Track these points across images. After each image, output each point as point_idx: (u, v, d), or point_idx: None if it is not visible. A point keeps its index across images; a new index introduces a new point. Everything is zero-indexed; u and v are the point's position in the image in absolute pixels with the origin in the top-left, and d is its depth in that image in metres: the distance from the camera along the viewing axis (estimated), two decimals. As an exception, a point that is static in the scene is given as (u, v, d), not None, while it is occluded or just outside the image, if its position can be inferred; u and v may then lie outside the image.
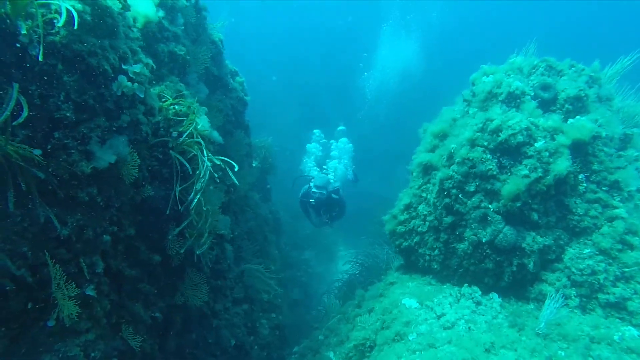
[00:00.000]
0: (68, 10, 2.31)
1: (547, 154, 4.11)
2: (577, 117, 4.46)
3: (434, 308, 4.20)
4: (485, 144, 4.32)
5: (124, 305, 3.44)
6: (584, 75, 5.16)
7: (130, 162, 2.86)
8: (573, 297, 4.07)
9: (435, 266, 4.94)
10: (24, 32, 2.18)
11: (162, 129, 3.51)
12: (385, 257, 7.85)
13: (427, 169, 5.10)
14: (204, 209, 3.60)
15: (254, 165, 10.66)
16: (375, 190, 16.35)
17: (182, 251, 3.63)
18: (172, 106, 3.62)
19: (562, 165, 3.96)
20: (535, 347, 3.53)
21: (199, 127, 3.42)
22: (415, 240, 5.19)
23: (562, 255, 4.23)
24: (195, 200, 3.31)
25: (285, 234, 12.68)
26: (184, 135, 3.43)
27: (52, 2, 2.24)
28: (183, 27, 4.16)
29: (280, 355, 7.45)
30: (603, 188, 4.25)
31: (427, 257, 5.05)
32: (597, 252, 4.05)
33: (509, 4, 28.98)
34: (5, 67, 2.31)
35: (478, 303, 4.25)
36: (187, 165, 3.32)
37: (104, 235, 2.98)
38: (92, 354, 3.00)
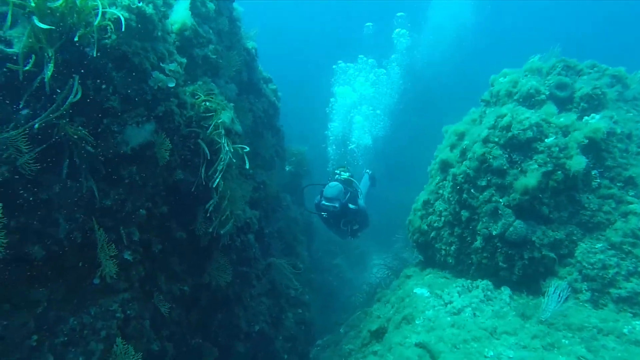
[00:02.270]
0: (118, 18, 2.84)
1: (557, 149, 4.20)
2: (592, 114, 4.51)
3: (442, 296, 4.36)
4: (497, 139, 4.48)
5: (156, 276, 3.92)
6: (606, 75, 5.18)
7: (163, 145, 3.34)
8: (584, 291, 4.08)
9: (451, 261, 5.08)
10: (76, 38, 2.72)
11: (194, 123, 4.02)
12: (413, 260, 8.00)
13: (445, 167, 5.29)
14: (228, 192, 4.02)
15: (287, 169, 11.17)
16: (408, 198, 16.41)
17: (209, 230, 4.07)
18: (203, 102, 4.12)
19: (579, 161, 4.03)
20: (538, 333, 3.61)
21: (222, 119, 3.87)
22: (431, 235, 5.37)
23: (574, 250, 4.26)
24: (217, 179, 3.75)
25: (318, 239, 13.02)
26: (211, 127, 3.91)
27: (107, 10, 2.77)
28: (217, 35, 4.69)
29: (306, 350, 7.72)
30: (617, 184, 4.25)
31: (443, 252, 5.20)
32: (609, 247, 4.06)
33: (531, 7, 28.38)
34: (70, 65, 2.86)
35: (487, 294, 4.35)
36: (207, 151, 3.78)
37: (141, 210, 3.48)
38: (128, 312, 3.48)
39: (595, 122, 4.27)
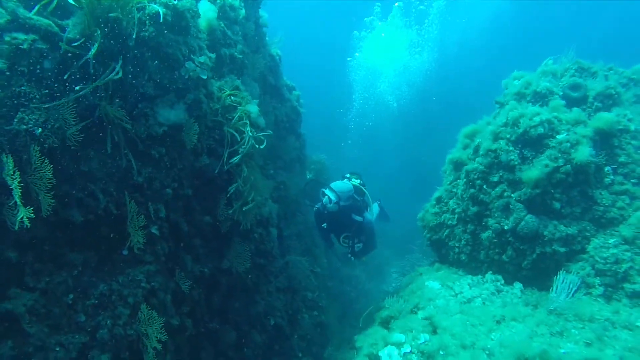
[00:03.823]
0: (157, 12, 3.21)
1: (568, 144, 4.27)
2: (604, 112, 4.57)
3: (453, 288, 4.43)
4: (508, 136, 4.59)
5: (179, 254, 4.19)
6: (623, 77, 5.23)
7: (192, 129, 3.66)
8: (597, 286, 4.07)
9: (464, 258, 5.14)
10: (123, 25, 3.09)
11: (220, 114, 4.35)
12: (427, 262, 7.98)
13: (458, 166, 5.41)
14: (251, 178, 4.30)
15: (308, 177, 11.45)
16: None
17: (229, 212, 4.33)
18: (229, 97, 4.46)
19: (583, 152, 4.10)
20: (546, 321, 3.64)
21: (246, 108, 4.18)
22: (445, 233, 5.45)
23: (587, 246, 4.27)
24: (239, 157, 4.03)
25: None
26: (235, 117, 4.22)
27: (146, 5, 3.15)
28: (243, 38, 5.07)
29: (320, 352, 7.78)
30: (631, 180, 4.27)
31: (456, 250, 5.27)
32: (623, 242, 4.05)
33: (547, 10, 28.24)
34: (112, 53, 3.24)
35: (498, 287, 4.39)
36: (236, 135, 4.08)
37: (167, 189, 3.78)
38: (153, 283, 3.75)
39: (605, 113, 4.33)
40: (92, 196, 3.31)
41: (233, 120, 4.21)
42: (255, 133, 4.21)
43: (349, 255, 6.39)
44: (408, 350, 2.53)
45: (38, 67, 2.65)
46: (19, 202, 2.53)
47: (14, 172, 2.50)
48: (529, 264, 4.43)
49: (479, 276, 4.70)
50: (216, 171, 4.17)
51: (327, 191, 5.74)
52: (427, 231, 5.66)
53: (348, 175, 6.97)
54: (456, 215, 5.25)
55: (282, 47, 7.55)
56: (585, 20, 29.32)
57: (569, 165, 4.24)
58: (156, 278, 3.81)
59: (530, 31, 29.23)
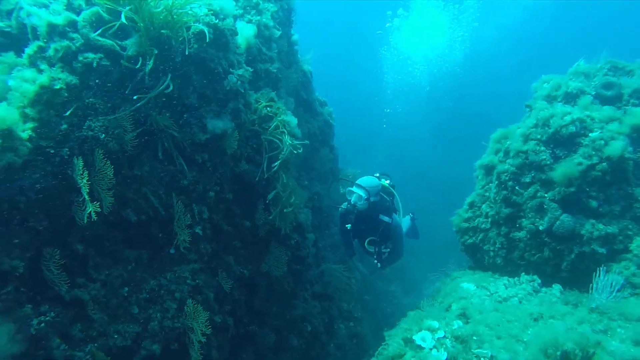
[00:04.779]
0: (201, 31, 3.58)
1: (602, 142, 4.23)
2: None
3: (489, 288, 4.40)
4: (539, 136, 4.60)
5: (221, 255, 4.46)
6: (662, 75, 5.11)
7: (232, 136, 3.97)
8: (643, 286, 3.94)
9: (499, 261, 5.09)
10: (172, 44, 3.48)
11: (257, 124, 4.66)
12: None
13: (489, 170, 5.42)
14: (289, 184, 4.54)
15: (341, 192, 11.64)
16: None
17: (270, 217, 4.57)
18: (265, 108, 4.77)
19: (616, 146, 4.05)
20: (588, 319, 3.56)
21: (285, 117, 4.47)
22: (479, 237, 5.43)
23: (629, 246, 4.15)
24: (277, 164, 4.28)
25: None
26: (272, 126, 4.51)
27: (192, 25, 3.53)
28: (277, 54, 5.43)
29: (357, 363, 7.76)
30: (674, 176, 4.15)
31: (492, 254, 5.23)
32: (668, 239, 3.92)
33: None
34: (162, 68, 3.63)
35: (535, 288, 4.33)
36: (275, 141, 4.36)
37: (210, 192, 4.08)
38: (197, 281, 4.02)
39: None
40: (144, 198, 3.65)
41: (269, 129, 4.50)
42: (292, 141, 4.46)
43: (375, 261, 5.68)
44: (442, 335, 2.59)
45: (103, 81, 3.04)
46: (87, 199, 2.87)
47: (83, 172, 2.86)
48: (568, 265, 4.34)
49: (516, 278, 4.64)
50: (257, 178, 4.44)
51: (354, 189, 5.14)
52: (460, 236, 5.65)
53: (377, 175, 6.27)
54: (490, 219, 5.24)
55: (314, 65, 7.92)
56: (623, 19, 28.34)
57: (605, 163, 4.19)
58: (200, 276, 4.08)
59: (566, 31, 28.54)
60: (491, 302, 4.08)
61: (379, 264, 5.63)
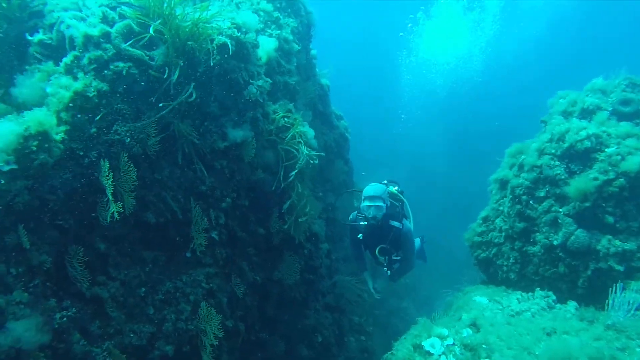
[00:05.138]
0: (224, 43, 3.76)
1: (619, 157, 4.21)
2: (660, 125, 4.46)
3: (501, 302, 4.37)
4: (553, 151, 4.60)
5: (235, 261, 4.55)
6: (682, 92, 5.08)
7: (250, 144, 4.11)
8: (662, 305, 3.85)
9: (513, 276, 5.05)
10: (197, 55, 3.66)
11: (274, 134, 4.80)
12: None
13: (503, 184, 5.42)
14: (305, 193, 4.64)
15: (355, 205, 11.68)
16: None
17: (285, 227, 4.66)
18: (282, 118, 4.91)
19: (634, 161, 4.02)
20: (605, 337, 3.51)
21: (300, 129, 4.59)
22: (493, 251, 5.40)
23: (648, 262, 4.08)
24: (292, 175, 4.39)
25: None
26: (289, 136, 4.64)
27: (215, 37, 3.71)
28: (295, 67, 5.60)
29: (366, 378, 7.68)
30: (693, 193, 4.09)
31: (505, 268, 5.18)
32: (687, 257, 3.85)
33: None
34: (186, 78, 3.80)
35: (550, 304, 4.28)
36: (292, 151, 4.48)
37: (227, 198, 4.20)
38: (211, 284, 4.11)
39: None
40: (163, 201, 3.79)
41: (286, 139, 4.62)
42: (309, 152, 4.57)
43: (386, 270, 5.50)
44: (451, 342, 2.60)
45: (131, 88, 3.21)
46: (110, 199, 3.02)
47: (109, 174, 3.01)
48: (584, 281, 4.28)
49: (530, 293, 4.59)
50: (273, 187, 4.55)
51: (369, 202, 4.97)
52: (473, 250, 5.62)
53: (385, 182, 6.04)
54: (503, 233, 5.21)
55: (331, 78, 8.10)
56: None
57: (623, 179, 4.16)
58: (215, 280, 4.17)
59: (589, 46, 28.32)
60: (503, 315, 4.04)
61: (388, 272, 5.48)
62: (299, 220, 4.92)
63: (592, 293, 4.30)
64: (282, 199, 4.83)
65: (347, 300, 7.82)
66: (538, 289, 4.49)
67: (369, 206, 4.93)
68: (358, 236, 5.37)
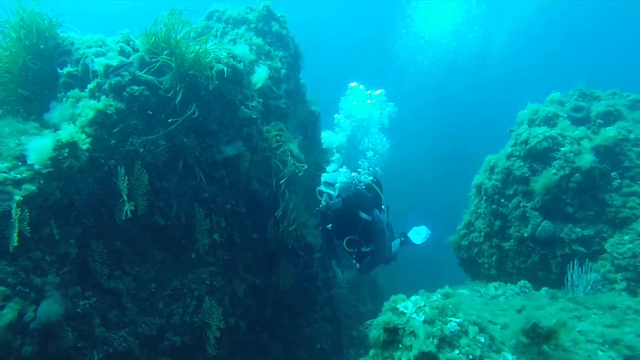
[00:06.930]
0: (221, 69, 4.40)
1: (572, 154, 4.77)
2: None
3: (480, 290, 4.77)
4: (517, 153, 5.17)
5: (235, 264, 4.98)
6: (628, 100, 5.73)
7: (245, 157, 4.66)
8: (619, 281, 4.28)
9: (494, 272, 5.46)
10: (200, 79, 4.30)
11: (267, 151, 5.37)
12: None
13: (479, 189, 5.94)
14: (292, 200, 5.15)
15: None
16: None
17: (280, 230, 5.13)
18: (275, 136, 5.51)
19: (587, 159, 4.58)
20: (566, 308, 3.92)
21: (289, 146, 5.18)
22: (474, 251, 5.84)
23: (605, 245, 4.54)
24: (282, 182, 4.91)
25: (384, 294, 13.22)
26: (280, 150, 5.22)
27: (214, 65, 4.36)
28: (286, 93, 6.27)
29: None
30: (638, 182, 4.61)
31: (486, 266, 5.61)
32: (637, 237, 4.32)
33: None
34: (189, 100, 4.41)
35: (523, 290, 4.68)
36: (280, 165, 5.03)
37: (227, 205, 4.71)
38: (215, 282, 4.54)
39: (607, 129, 4.82)
40: (170, 207, 4.30)
41: (278, 153, 5.20)
42: (295, 162, 5.13)
43: (355, 262, 5.33)
44: (422, 304, 3.04)
45: (144, 107, 3.82)
46: (125, 199, 3.53)
47: (124, 178, 3.54)
48: (557, 267, 4.72)
49: (508, 283, 5.00)
50: (266, 194, 5.07)
51: (322, 188, 4.92)
52: (457, 252, 6.06)
53: (359, 170, 5.74)
54: (483, 232, 5.67)
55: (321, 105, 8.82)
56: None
57: (578, 174, 4.70)
58: (217, 278, 4.60)
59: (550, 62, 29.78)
60: (480, 299, 4.45)
61: (357, 265, 5.34)
62: (291, 226, 5.38)
63: (564, 277, 4.72)
64: (276, 208, 5.33)
65: (345, 315, 8.10)
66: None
67: (322, 191, 5.00)
68: (327, 226, 5.33)
